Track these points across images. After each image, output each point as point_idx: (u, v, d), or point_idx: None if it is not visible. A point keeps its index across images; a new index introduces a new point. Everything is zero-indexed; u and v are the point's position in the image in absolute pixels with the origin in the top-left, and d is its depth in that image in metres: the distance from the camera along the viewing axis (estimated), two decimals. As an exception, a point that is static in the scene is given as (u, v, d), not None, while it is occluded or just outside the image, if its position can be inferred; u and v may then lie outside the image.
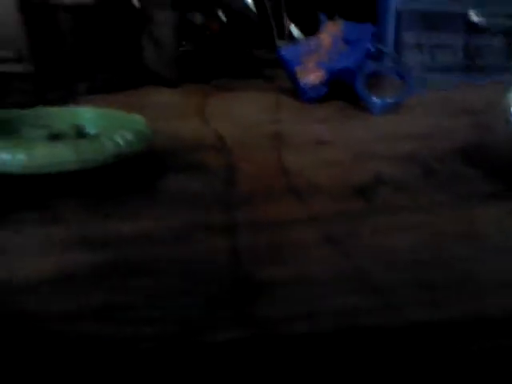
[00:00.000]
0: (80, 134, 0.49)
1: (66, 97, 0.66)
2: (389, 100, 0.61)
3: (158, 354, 0.18)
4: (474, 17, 0.86)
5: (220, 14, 0.83)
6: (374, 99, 0.61)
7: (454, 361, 0.18)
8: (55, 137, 0.47)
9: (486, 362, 0.18)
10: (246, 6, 0.84)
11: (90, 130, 0.50)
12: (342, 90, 0.65)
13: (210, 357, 0.18)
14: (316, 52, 0.69)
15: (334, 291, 0.21)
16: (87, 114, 0.53)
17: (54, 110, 0.56)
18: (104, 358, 0.18)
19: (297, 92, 0.69)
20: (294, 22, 0.86)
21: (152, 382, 0.18)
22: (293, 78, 0.69)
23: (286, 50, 0.73)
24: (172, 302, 0.20)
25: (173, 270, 0.23)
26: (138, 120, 0.46)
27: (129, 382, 0.18)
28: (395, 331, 0.19)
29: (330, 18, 0.75)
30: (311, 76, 0.67)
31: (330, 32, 0.70)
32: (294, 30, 0.85)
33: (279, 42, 0.82)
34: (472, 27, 0.91)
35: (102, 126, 0.50)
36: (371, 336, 0.19)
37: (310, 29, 0.78)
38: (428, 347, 0.19)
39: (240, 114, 0.60)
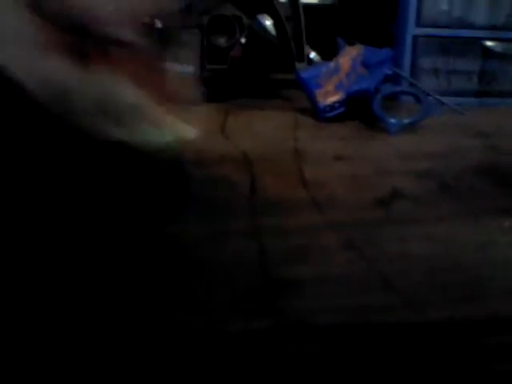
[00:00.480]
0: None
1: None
2: (405, 121, 0.62)
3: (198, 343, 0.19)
4: (490, 43, 0.87)
5: (241, 37, 0.86)
6: (391, 120, 0.62)
7: (467, 354, 0.19)
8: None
9: (495, 357, 0.19)
10: (266, 29, 0.86)
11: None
12: (359, 110, 0.67)
13: (242, 344, 0.19)
14: (335, 75, 0.71)
15: (354, 290, 0.23)
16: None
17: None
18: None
19: (315, 111, 0.70)
20: (312, 46, 0.88)
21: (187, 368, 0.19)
22: (312, 99, 0.71)
23: (305, 72, 0.75)
24: (208, 296, 0.22)
25: (209, 268, 0.25)
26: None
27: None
28: (411, 327, 0.21)
29: (348, 42, 0.77)
30: (330, 98, 0.69)
31: (350, 56, 0.72)
32: (313, 54, 0.87)
33: (298, 65, 0.84)
34: (487, 53, 0.92)
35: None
36: (387, 331, 0.20)
37: (328, 52, 0.80)
38: (443, 343, 0.20)
39: (260, 131, 0.62)
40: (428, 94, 0.71)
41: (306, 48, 0.91)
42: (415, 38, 0.90)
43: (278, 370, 0.19)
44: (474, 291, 0.23)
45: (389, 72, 0.68)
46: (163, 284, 0.23)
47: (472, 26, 0.92)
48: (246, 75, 0.87)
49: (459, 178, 0.41)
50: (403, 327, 0.20)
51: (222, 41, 0.87)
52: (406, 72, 0.84)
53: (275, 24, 0.88)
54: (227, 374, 0.19)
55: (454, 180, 0.40)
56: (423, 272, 0.24)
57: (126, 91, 0.24)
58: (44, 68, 0.23)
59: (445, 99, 0.77)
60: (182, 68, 0.79)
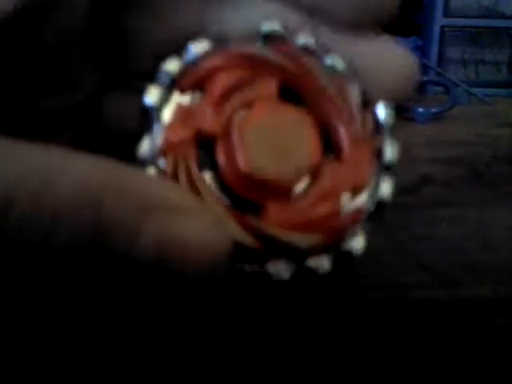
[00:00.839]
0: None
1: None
2: (433, 110, 0.62)
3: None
4: (519, 32, 0.86)
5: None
6: (419, 109, 0.62)
7: (494, 331, 0.20)
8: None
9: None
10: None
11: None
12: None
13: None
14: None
15: (388, 269, 0.23)
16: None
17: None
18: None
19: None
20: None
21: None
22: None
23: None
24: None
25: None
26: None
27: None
28: (443, 304, 0.21)
29: (375, 32, 0.77)
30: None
31: (376, 45, 0.72)
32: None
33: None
34: (516, 43, 0.91)
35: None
36: (422, 307, 0.21)
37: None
38: (477, 319, 0.20)
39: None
40: (456, 84, 0.71)
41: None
42: (443, 28, 0.90)
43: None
44: (503, 270, 0.23)
45: (417, 59, 0.68)
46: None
47: (501, 16, 0.91)
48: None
49: (489, 165, 0.41)
50: (437, 304, 0.21)
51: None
52: (433, 62, 0.84)
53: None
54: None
55: (484, 167, 0.41)
56: (453, 252, 0.24)
57: None
58: None
59: (473, 90, 0.76)
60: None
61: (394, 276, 0.23)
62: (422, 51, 0.79)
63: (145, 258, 0.12)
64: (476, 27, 0.92)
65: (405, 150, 0.45)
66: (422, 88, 0.74)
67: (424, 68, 0.75)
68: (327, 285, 0.22)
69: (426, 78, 0.73)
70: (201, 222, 0.12)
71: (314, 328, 0.20)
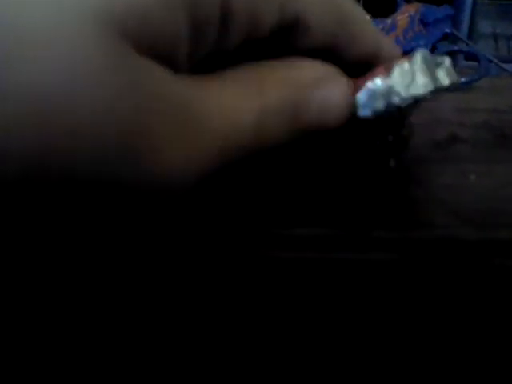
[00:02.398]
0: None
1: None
2: (462, 79, 0.62)
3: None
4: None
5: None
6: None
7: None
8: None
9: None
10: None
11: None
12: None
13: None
14: (392, 32, 0.71)
15: (417, 212, 0.24)
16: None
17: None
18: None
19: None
20: (370, 3, 0.87)
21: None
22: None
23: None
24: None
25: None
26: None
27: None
28: (466, 244, 0.22)
29: (407, 0, 0.77)
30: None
31: (408, 13, 0.72)
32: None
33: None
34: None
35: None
36: (445, 246, 0.22)
37: (386, 10, 0.79)
38: (496, 258, 0.22)
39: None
40: (486, 58, 0.70)
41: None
42: (475, 0, 0.88)
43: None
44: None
45: (447, 30, 0.67)
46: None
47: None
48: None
49: (517, 130, 0.41)
50: (463, 243, 0.22)
51: None
52: (463, 34, 0.83)
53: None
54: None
55: (510, 130, 0.41)
56: (480, 200, 0.25)
57: None
58: None
59: (503, 65, 0.75)
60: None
61: (421, 218, 0.24)
62: (453, 21, 0.78)
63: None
64: (509, 0, 0.90)
65: (433, 114, 0.46)
66: (452, 58, 0.73)
67: (454, 38, 0.74)
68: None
69: (456, 48, 0.73)
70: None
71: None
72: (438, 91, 0.20)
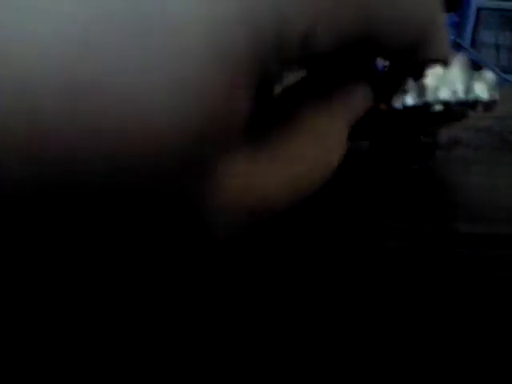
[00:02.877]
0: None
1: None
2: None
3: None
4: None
5: None
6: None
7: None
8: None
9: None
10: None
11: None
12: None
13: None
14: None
15: (425, 208, 0.25)
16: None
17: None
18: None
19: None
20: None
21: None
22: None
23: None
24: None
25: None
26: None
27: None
28: (477, 237, 0.23)
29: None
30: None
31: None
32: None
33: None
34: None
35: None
36: (465, 239, 0.23)
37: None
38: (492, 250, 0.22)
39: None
40: (489, 66, 0.71)
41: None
42: (479, 9, 0.89)
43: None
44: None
45: (451, 37, 0.68)
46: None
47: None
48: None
49: (516, 134, 0.42)
50: (469, 237, 0.23)
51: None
52: (466, 42, 0.84)
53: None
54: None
55: (509, 135, 0.42)
56: (486, 197, 0.26)
57: None
58: None
59: (505, 76, 0.77)
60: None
61: (425, 212, 0.24)
62: (457, 29, 0.79)
63: None
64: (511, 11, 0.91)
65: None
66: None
67: (457, 47, 0.75)
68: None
69: (460, 55, 0.74)
70: None
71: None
72: (475, 105, 0.21)
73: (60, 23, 0.10)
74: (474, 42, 0.89)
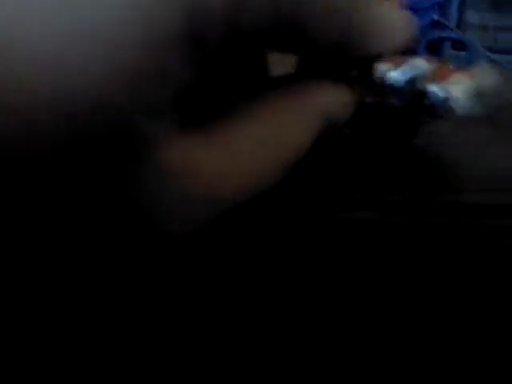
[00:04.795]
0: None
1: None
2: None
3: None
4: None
5: None
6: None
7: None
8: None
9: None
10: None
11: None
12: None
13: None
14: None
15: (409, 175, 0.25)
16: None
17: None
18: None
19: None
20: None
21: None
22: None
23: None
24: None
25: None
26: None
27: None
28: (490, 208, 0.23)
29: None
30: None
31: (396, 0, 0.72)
32: None
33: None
34: (538, 9, 0.90)
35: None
36: (474, 210, 0.22)
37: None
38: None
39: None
40: (475, 47, 0.71)
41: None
42: (464, -11, 0.88)
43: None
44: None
45: (435, 17, 0.67)
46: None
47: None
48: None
49: (501, 110, 0.42)
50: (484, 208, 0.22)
51: None
52: (452, 23, 0.83)
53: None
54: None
55: (496, 111, 0.42)
56: (461, 168, 0.26)
57: None
58: None
59: (491, 55, 0.76)
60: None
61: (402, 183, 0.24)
62: (441, 10, 0.78)
63: None
64: (498, -9, 0.91)
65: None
66: (439, 46, 0.74)
67: (442, 27, 0.74)
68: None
69: (444, 34, 0.73)
70: None
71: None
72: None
73: None
74: (459, 23, 0.88)
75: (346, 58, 0.19)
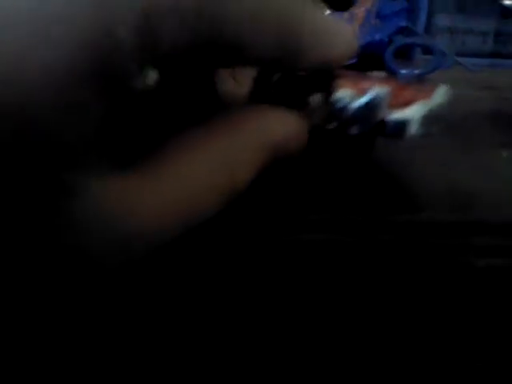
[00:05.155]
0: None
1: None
2: (415, 71, 0.63)
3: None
4: (507, 1, 0.87)
5: None
6: (402, 70, 0.63)
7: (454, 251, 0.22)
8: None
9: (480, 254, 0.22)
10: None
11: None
12: (370, 61, 0.68)
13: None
14: (350, 25, 0.72)
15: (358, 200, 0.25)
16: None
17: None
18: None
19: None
20: None
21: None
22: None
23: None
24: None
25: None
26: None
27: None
28: (412, 225, 0.23)
29: (364, -6, 0.77)
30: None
31: (365, 7, 0.72)
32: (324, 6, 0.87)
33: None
34: (504, 12, 0.92)
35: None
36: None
37: (343, 4, 0.80)
38: (435, 239, 0.22)
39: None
40: (440, 50, 0.72)
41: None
42: (432, -6, 0.90)
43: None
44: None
45: (402, 24, 0.68)
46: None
47: (490, -16, 0.91)
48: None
49: (464, 119, 0.42)
50: (406, 224, 0.23)
51: None
52: (420, 27, 0.84)
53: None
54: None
55: (459, 121, 0.42)
56: (425, 184, 0.26)
57: None
58: None
59: (458, 59, 0.77)
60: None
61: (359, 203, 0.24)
62: (410, 15, 0.79)
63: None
64: (464, -5, 0.92)
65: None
66: (407, 51, 0.75)
67: (410, 32, 0.76)
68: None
69: (411, 40, 0.74)
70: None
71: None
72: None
73: None
74: (428, 27, 0.90)
75: (289, 70, 0.19)
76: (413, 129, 0.20)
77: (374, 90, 0.20)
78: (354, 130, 0.20)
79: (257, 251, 0.22)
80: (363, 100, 0.20)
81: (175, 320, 0.20)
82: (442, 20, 0.95)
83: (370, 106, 0.20)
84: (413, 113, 0.20)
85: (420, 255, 0.22)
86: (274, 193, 0.25)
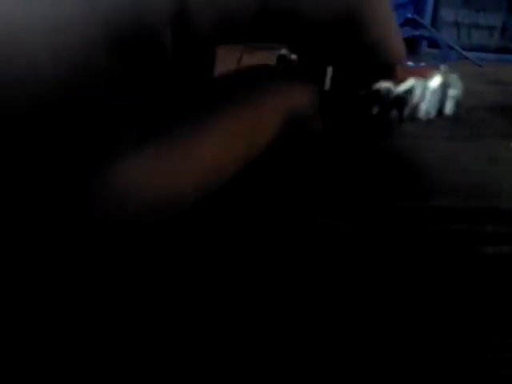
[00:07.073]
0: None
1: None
2: (422, 64, 0.63)
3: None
4: (514, -5, 0.87)
5: None
6: (408, 63, 0.63)
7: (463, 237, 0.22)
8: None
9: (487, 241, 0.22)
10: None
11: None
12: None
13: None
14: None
15: (370, 183, 0.25)
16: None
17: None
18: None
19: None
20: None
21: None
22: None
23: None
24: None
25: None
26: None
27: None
28: (418, 211, 0.23)
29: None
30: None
31: (371, -2, 0.72)
32: None
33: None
34: (511, 7, 0.91)
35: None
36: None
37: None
38: (433, 224, 0.22)
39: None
40: (449, 46, 0.72)
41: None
42: (439, -13, 0.89)
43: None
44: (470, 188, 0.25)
45: (409, 15, 0.68)
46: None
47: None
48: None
49: (470, 112, 0.42)
50: (412, 211, 0.22)
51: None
52: (426, 21, 0.84)
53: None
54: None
55: (465, 114, 0.42)
56: (432, 172, 0.26)
57: None
58: None
59: (464, 53, 0.77)
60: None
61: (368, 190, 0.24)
62: (416, 8, 0.79)
63: None
64: (471, -11, 0.92)
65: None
66: (413, 44, 0.75)
67: (416, 25, 0.75)
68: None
69: (417, 34, 0.74)
70: None
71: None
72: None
73: None
74: (434, 21, 0.89)
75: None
76: (425, 108, 0.20)
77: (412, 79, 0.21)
78: (394, 115, 0.21)
79: (269, 234, 0.21)
80: (402, 88, 0.20)
81: (179, 307, 0.20)
82: (449, 14, 0.95)
83: (410, 93, 0.20)
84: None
85: (429, 242, 0.21)
86: (281, 179, 0.25)
